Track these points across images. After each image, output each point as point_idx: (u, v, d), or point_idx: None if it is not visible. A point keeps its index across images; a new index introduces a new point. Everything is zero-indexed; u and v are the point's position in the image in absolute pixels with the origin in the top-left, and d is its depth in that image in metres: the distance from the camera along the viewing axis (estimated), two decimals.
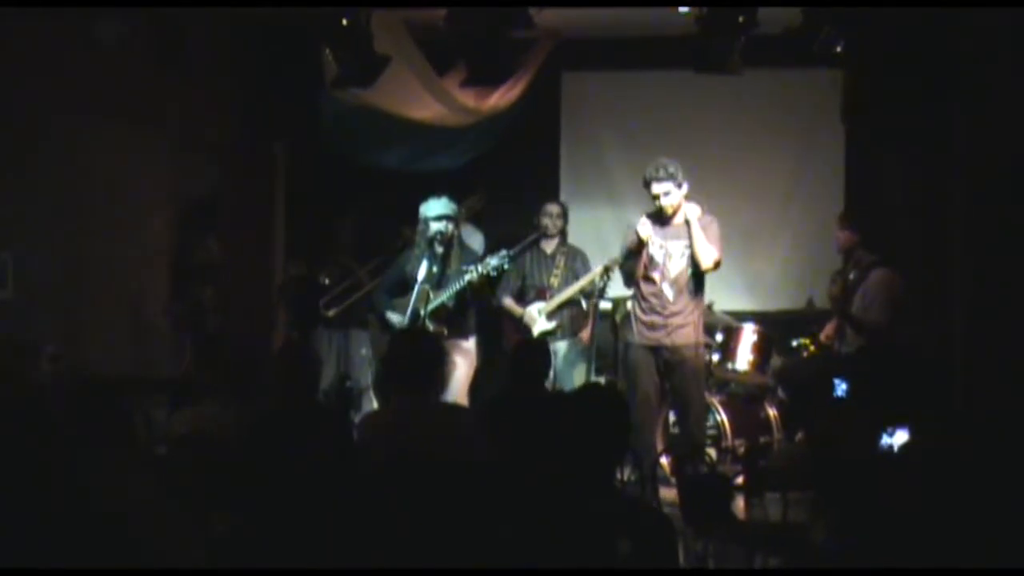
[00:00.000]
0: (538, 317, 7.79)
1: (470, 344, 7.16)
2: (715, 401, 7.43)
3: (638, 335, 6.91)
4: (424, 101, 8.10)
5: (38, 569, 2.97)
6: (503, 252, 6.95)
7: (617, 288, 7.70)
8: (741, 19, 6.64)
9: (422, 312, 6.92)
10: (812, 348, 7.62)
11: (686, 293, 6.83)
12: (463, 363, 7.02)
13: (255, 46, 8.10)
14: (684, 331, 6.80)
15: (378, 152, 8.49)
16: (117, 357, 6.86)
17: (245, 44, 8.09)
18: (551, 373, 7.42)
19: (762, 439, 7.56)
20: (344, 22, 6.90)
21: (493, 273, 6.98)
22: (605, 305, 7.80)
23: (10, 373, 5.13)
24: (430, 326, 6.91)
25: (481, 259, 6.97)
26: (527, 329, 7.81)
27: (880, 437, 4.87)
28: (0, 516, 3.03)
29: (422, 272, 6.94)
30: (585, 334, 7.82)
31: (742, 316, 7.99)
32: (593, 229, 8.83)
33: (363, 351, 8.15)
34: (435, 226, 6.95)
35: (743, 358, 7.63)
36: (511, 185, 8.93)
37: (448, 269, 7.00)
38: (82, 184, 6.77)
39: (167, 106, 7.32)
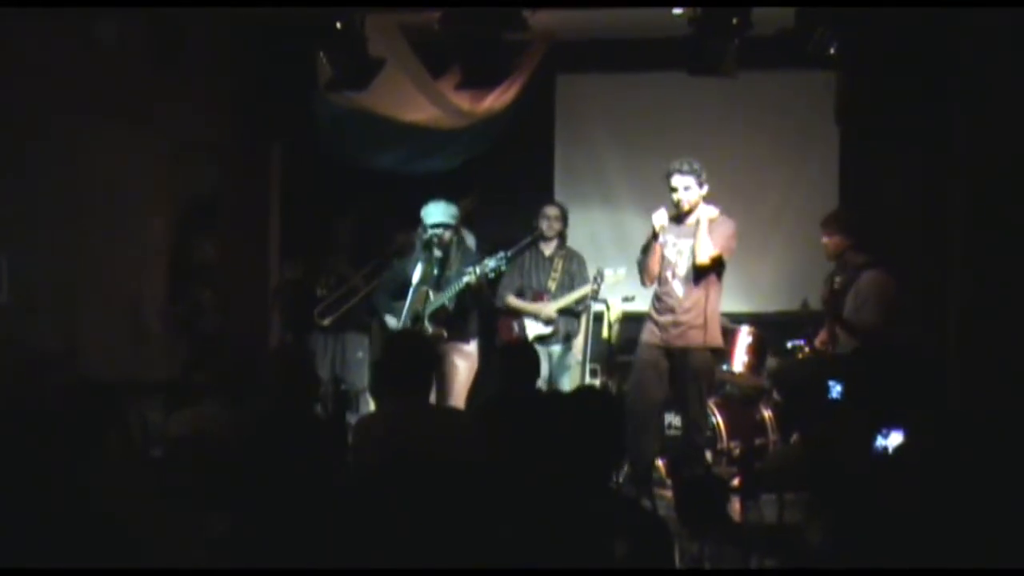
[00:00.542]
0: (552, 313, 7.82)
1: (471, 347, 7.18)
2: (710, 403, 7.43)
3: (649, 334, 6.90)
4: (419, 104, 8.09)
5: (38, 569, 2.97)
6: (500, 254, 6.97)
7: (612, 292, 7.75)
8: (735, 21, 6.65)
9: (422, 313, 6.94)
10: (807, 351, 7.62)
11: (698, 293, 6.81)
12: (464, 366, 7.04)
13: (254, 47, 8.09)
14: (694, 332, 6.77)
15: (373, 154, 8.48)
16: (115, 358, 6.85)
17: (244, 45, 8.08)
18: (545, 376, 7.48)
19: (758, 441, 7.58)
20: (338, 25, 6.91)
21: (490, 275, 7.01)
22: (599, 308, 7.83)
23: (26, 382, 5.11)
24: (430, 328, 6.94)
25: (479, 261, 7.00)
26: (524, 329, 7.85)
27: (875, 438, 4.89)
28: (0, 516, 3.04)
29: (417, 274, 6.97)
30: (579, 338, 7.85)
31: (737, 318, 7.99)
32: (588, 231, 8.85)
33: (359, 354, 8.15)
34: (432, 231, 7.01)
35: (738, 360, 7.67)
36: (506, 187, 8.94)
37: (448, 271, 7.03)
38: (81, 184, 6.76)
39: (166, 107, 7.31)
